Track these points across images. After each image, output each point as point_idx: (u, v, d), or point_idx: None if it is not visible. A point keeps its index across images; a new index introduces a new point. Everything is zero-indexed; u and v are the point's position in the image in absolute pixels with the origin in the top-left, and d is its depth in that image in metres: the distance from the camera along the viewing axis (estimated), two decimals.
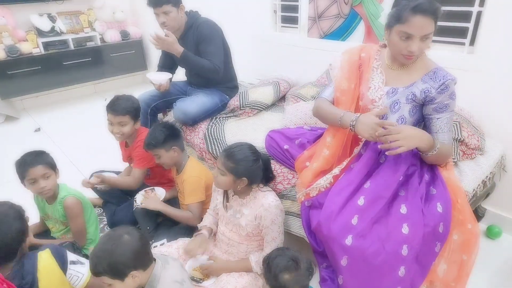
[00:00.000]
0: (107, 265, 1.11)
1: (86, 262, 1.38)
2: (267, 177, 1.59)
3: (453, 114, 1.39)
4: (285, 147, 1.72)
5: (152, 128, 1.90)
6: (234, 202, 1.59)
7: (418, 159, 1.45)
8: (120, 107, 1.92)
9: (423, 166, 1.45)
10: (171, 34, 2.14)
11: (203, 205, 1.87)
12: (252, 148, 1.52)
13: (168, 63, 2.49)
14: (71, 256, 1.37)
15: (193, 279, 1.52)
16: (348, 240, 1.25)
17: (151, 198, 1.88)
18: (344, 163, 1.49)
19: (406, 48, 1.29)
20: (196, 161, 1.98)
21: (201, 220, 1.78)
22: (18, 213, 1.30)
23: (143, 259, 1.19)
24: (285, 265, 1.29)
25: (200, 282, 1.52)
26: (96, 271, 1.14)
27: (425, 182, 1.40)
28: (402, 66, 1.43)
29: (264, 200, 1.50)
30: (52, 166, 1.67)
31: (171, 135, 1.83)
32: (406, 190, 1.38)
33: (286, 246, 1.48)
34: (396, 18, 1.27)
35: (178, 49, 2.16)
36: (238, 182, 1.48)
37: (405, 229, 1.25)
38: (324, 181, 1.49)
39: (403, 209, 1.31)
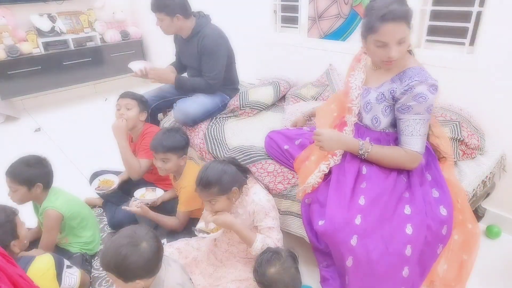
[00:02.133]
0: (116, 267, 1.11)
1: (77, 269, 1.49)
2: (243, 170, 1.57)
3: (420, 118, 1.31)
4: (285, 147, 1.72)
5: (168, 131, 1.83)
6: None
7: None
8: (129, 93, 2.07)
9: (422, 166, 1.45)
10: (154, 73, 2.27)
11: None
12: (215, 161, 1.52)
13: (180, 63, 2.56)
14: (66, 261, 1.45)
15: (202, 232, 1.52)
16: (353, 241, 1.25)
17: (140, 209, 1.82)
18: (331, 161, 1.49)
19: (385, 55, 1.29)
20: (194, 165, 1.97)
21: (183, 226, 1.83)
22: (9, 211, 1.39)
23: (152, 270, 1.18)
24: (267, 260, 1.32)
25: (208, 234, 1.51)
26: (104, 268, 1.15)
27: (428, 183, 1.40)
28: (381, 67, 1.44)
29: (255, 196, 1.51)
30: (28, 181, 1.61)
31: (188, 144, 1.87)
32: (410, 191, 1.38)
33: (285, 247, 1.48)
34: (368, 28, 1.28)
35: (170, 76, 2.30)
36: (232, 196, 1.47)
37: (409, 230, 1.25)
38: (314, 179, 1.50)
39: (407, 210, 1.30)
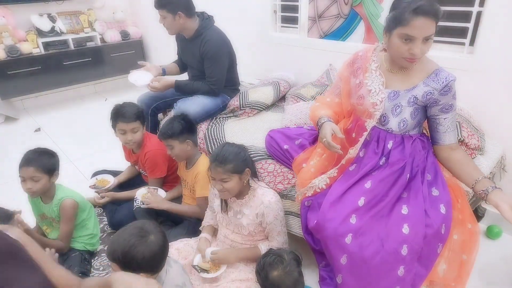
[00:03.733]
0: (122, 255, 1.12)
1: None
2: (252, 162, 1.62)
3: (456, 112, 1.42)
4: (285, 147, 1.72)
5: (170, 118, 1.91)
6: (233, 203, 1.59)
7: (421, 158, 1.44)
8: (130, 114, 1.94)
9: (426, 165, 1.45)
10: (158, 83, 2.25)
11: None
12: (230, 143, 1.57)
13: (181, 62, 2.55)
14: None
15: (200, 269, 1.51)
16: (348, 239, 1.26)
17: (155, 198, 1.86)
18: (340, 164, 1.49)
19: (408, 50, 1.28)
20: (206, 157, 1.95)
21: (204, 211, 1.81)
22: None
23: (156, 266, 1.19)
24: (270, 263, 1.31)
25: (207, 272, 1.51)
26: (110, 257, 1.15)
27: (427, 182, 1.40)
28: (402, 69, 1.42)
29: (264, 198, 1.51)
30: (48, 170, 1.64)
31: (188, 128, 1.86)
32: (408, 191, 1.38)
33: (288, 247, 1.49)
34: (397, 21, 1.26)
35: (170, 83, 2.29)
36: (244, 177, 1.50)
37: (405, 229, 1.25)
38: (319, 181, 1.49)
39: (405, 210, 1.31)
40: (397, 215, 1.30)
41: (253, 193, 1.55)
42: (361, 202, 1.34)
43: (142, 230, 1.16)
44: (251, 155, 1.83)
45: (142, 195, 1.91)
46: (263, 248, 1.53)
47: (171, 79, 2.33)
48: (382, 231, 1.27)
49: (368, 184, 1.39)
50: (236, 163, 1.46)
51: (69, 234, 1.74)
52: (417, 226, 1.27)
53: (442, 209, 1.31)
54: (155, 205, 1.84)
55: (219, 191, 1.52)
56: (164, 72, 2.47)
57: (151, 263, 1.15)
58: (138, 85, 2.28)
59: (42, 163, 1.62)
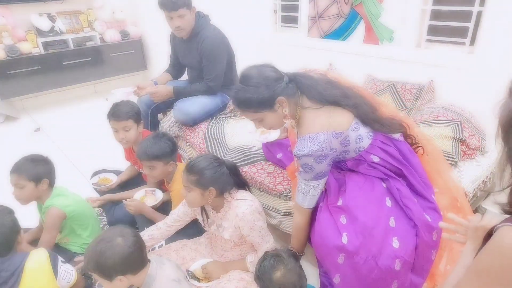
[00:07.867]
0: (95, 265, 1.13)
1: (72, 266, 1.47)
2: (238, 183, 1.53)
3: (311, 184, 1.32)
4: (278, 156, 1.71)
5: (153, 138, 1.79)
6: (214, 217, 1.55)
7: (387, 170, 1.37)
8: (122, 112, 1.91)
9: (406, 173, 1.37)
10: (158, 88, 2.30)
11: None
12: (213, 157, 1.49)
13: (177, 62, 2.52)
14: (60, 258, 1.43)
15: (192, 275, 1.52)
16: (340, 259, 1.23)
17: (135, 206, 1.80)
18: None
19: None
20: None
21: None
22: (8, 210, 1.39)
23: (132, 265, 1.18)
24: (271, 265, 1.29)
25: (197, 281, 1.52)
26: (86, 268, 1.17)
27: (410, 191, 1.34)
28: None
29: (238, 210, 1.45)
30: (33, 177, 1.60)
31: (174, 150, 1.81)
32: (391, 199, 1.32)
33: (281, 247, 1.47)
34: None
35: (168, 91, 2.30)
36: (207, 194, 1.42)
37: (395, 243, 1.22)
38: None
39: (392, 222, 1.26)
40: (385, 229, 1.25)
41: (228, 205, 1.49)
42: (343, 220, 1.29)
43: (107, 235, 1.17)
44: (251, 156, 1.83)
45: (140, 198, 1.92)
46: (249, 260, 1.50)
47: (169, 87, 2.31)
48: (373, 248, 1.22)
49: (339, 202, 1.33)
50: (199, 178, 1.39)
51: (50, 243, 1.65)
52: (406, 238, 1.23)
53: (429, 218, 1.27)
54: (134, 211, 1.80)
55: (183, 197, 1.49)
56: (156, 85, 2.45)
57: (125, 264, 1.15)
58: (119, 96, 2.24)
59: (25, 171, 1.59)
